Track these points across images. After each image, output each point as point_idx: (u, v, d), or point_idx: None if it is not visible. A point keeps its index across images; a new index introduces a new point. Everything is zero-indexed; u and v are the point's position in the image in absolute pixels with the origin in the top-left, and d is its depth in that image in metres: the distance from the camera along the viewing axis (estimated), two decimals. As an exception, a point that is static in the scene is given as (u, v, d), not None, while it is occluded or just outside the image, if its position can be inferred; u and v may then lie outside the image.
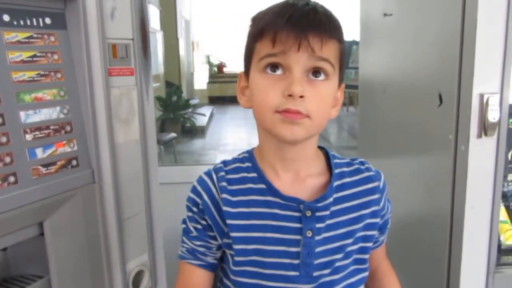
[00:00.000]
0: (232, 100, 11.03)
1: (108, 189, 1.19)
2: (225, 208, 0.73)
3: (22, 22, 1.00)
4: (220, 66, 12.86)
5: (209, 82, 12.00)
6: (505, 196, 1.36)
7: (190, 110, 7.59)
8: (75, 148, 1.11)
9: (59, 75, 1.08)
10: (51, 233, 1.06)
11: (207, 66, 12.48)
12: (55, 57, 1.07)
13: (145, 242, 1.35)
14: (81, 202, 1.12)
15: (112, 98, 1.19)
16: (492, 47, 0.98)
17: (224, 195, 0.73)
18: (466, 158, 1.02)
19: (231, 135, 7.81)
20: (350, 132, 7.32)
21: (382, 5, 1.53)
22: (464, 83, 1.02)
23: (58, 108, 1.07)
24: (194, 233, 0.78)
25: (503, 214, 1.31)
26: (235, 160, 0.78)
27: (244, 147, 0.82)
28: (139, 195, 1.31)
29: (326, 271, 0.73)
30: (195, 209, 0.77)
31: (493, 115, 0.99)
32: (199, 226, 0.77)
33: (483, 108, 0.99)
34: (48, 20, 1.05)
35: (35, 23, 1.03)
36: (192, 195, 0.78)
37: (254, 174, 0.75)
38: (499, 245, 1.21)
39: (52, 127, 1.06)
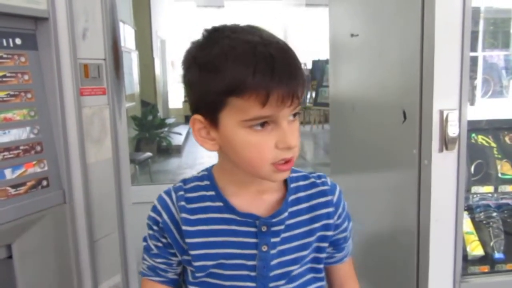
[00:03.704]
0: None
1: (80, 209, 1.18)
2: (184, 227, 0.74)
3: (-9, 43, 1.00)
4: (196, 85, 12.86)
5: (185, 101, 12.00)
6: (470, 208, 1.41)
7: (166, 129, 7.53)
8: (46, 168, 1.10)
9: (29, 95, 1.08)
10: (19, 255, 1.03)
11: (183, 85, 12.46)
12: (26, 77, 1.07)
13: (118, 262, 1.33)
14: (51, 223, 1.10)
15: (84, 118, 1.19)
16: (450, 66, 1.03)
17: (183, 215, 0.75)
18: (429, 172, 1.07)
19: (207, 154, 7.78)
20: (326, 149, 7.41)
21: (349, 25, 1.59)
22: (425, 101, 1.07)
23: (28, 128, 1.06)
24: (155, 251, 0.80)
25: (469, 226, 1.36)
26: (194, 179, 0.79)
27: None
28: (112, 215, 1.30)
29: (282, 282, 0.76)
30: (155, 227, 0.78)
31: (453, 130, 1.05)
32: (159, 244, 0.78)
33: (443, 123, 1.05)
34: (18, 41, 1.05)
35: (5, 43, 1.03)
36: (152, 214, 0.78)
37: (212, 192, 0.76)
38: (466, 256, 1.25)
39: (21, 147, 1.05)
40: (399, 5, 1.20)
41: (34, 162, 1.07)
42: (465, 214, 1.32)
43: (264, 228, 0.73)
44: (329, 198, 0.80)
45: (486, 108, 1.35)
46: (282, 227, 0.75)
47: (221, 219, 0.74)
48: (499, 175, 1.35)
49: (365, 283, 1.54)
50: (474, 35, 1.33)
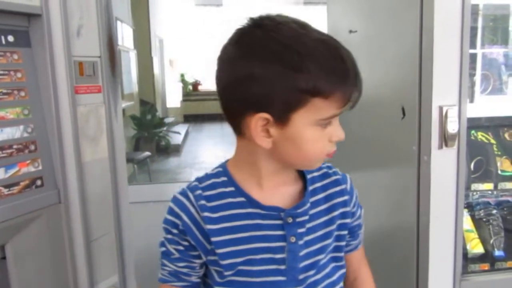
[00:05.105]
0: (208, 118, 10.99)
1: (75, 209, 1.16)
2: (208, 226, 0.73)
3: (-17, 40, 0.99)
4: (196, 84, 12.88)
5: (184, 100, 11.97)
6: (470, 206, 1.40)
7: (164, 128, 7.53)
8: (40, 167, 1.08)
9: (23, 94, 1.06)
10: (13, 256, 1.02)
11: (181, 85, 12.43)
12: (19, 75, 1.05)
13: (115, 263, 1.32)
14: (46, 223, 1.08)
15: (79, 116, 1.17)
16: (449, 62, 1.02)
17: (205, 213, 0.73)
18: (429, 168, 1.06)
19: (207, 153, 7.77)
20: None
21: (348, 22, 1.58)
22: (424, 97, 1.06)
23: (21, 127, 1.05)
24: (176, 255, 0.77)
25: (469, 224, 1.34)
26: (210, 176, 0.78)
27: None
28: (108, 215, 1.29)
29: (311, 272, 0.76)
30: (175, 230, 0.76)
31: (452, 127, 1.04)
32: (180, 248, 0.77)
33: (443, 120, 1.04)
34: (11, 38, 1.04)
35: (-3, 41, 1.01)
36: (170, 217, 0.76)
37: (232, 188, 0.75)
38: (466, 254, 1.24)
39: (15, 146, 1.03)
40: (398, 1, 1.19)
41: (28, 161, 1.05)
42: (465, 211, 1.31)
43: (289, 220, 0.74)
44: (343, 187, 0.82)
45: (486, 105, 1.33)
46: (306, 217, 0.76)
47: (244, 214, 0.74)
48: (499, 172, 1.34)
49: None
50: (473, 31, 1.32)
